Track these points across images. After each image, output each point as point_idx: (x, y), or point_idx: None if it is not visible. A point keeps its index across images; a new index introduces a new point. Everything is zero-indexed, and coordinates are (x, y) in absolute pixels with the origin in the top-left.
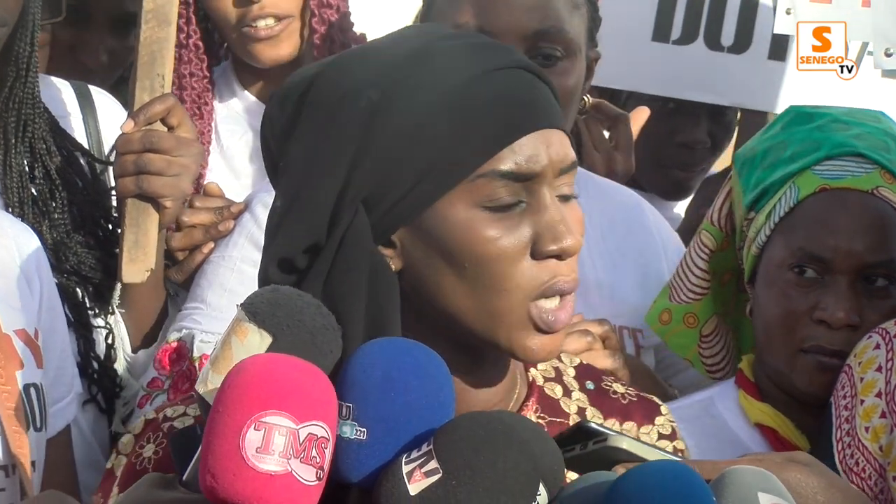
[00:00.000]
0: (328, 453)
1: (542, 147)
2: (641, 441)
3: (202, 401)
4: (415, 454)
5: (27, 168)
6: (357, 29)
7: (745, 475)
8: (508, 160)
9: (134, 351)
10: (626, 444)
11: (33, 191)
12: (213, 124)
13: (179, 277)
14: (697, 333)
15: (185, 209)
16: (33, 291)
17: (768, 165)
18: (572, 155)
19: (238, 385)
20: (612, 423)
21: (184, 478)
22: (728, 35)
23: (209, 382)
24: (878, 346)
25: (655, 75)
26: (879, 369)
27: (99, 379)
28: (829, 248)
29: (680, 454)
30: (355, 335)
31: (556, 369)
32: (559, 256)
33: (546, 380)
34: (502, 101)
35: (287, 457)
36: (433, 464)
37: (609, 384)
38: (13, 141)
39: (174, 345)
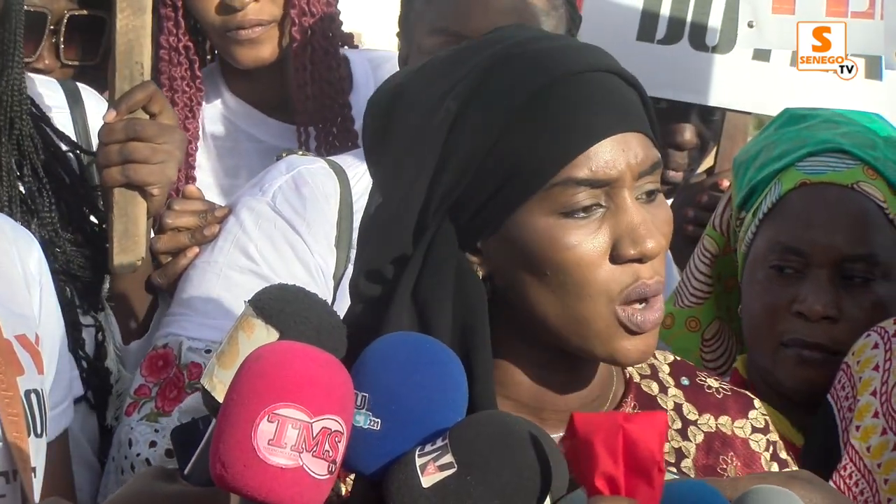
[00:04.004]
0: (341, 447)
1: (619, 152)
2: None
3: (206, 394)
4: (429, 447)
5: (15, 166)
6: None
7: (769, 496)
8: (584, 167)
9: (126, 343)
10: None
11: (21, 189)
12: (200, 123)
13: (163, 282)
14: (699, 337)
15: (166, 212)
16: (33, 296)
17: (759, 165)
18: (654, 155)
19: (254, 374)
20: (708, 418)
21: (185, 471)
22: (713, 35)
23: (214, 377)
24: (876, 346)
25: (640, 75)
26: (876, 368)
27: (88, 377)
28: (807, 242)
29: (773, 446)
30: (442, 341)
31: (651, 366)
32: (640, 260)
33: (642, 377)
34: (576, 106)
35: (299, 450)
36: (448, 458)
37: (703, 379)
38: (1, 139)
39: (160, 351)
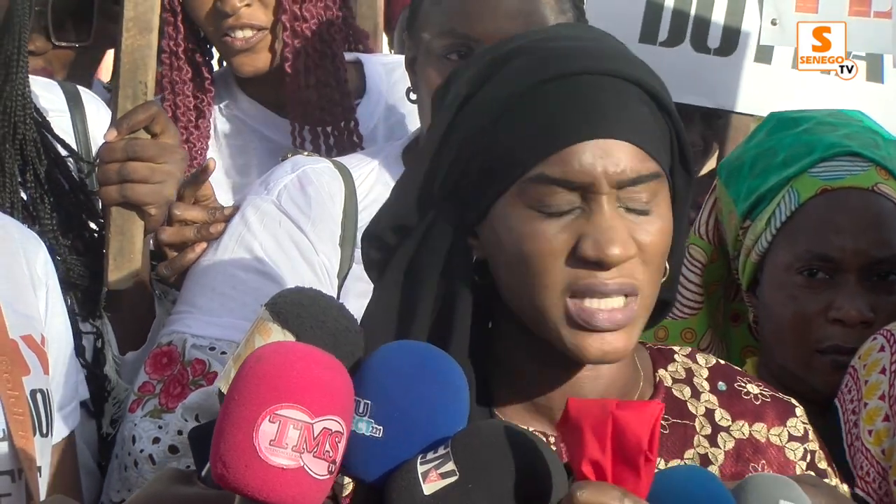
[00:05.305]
0: (342, 447)
1: (597, 158)
2: None
3: (223, 397)
4: (431, 455)
5: (17, 172)
6: None
7: (766, 481)
8: (557, 166)
9: (122, 353)
10: None
11: (23, 195)
12: (212, 123)
13: (168, 274)
14: (696, 348)
15: (175, 203)
16: (39, 297)
17: (760, 173)
18: (641, 168)
19: (255, 375)
20: (741, 425)
21: (202, 474)
22: (714, 37)
23: (231, 380)
24: (882, 349)
25: None
26: (883, 371)
27: (87, 383)
28: (836, 248)
29: (811, 455)
30: (423, 314)
31: (688, 370)
32: (599, 264)
33: (675, 381)
34: (562, 106)
35: (300, 451)
36: (450, 466)
37: (743, 384)
38: (5, 145)
39: (164, 349)
